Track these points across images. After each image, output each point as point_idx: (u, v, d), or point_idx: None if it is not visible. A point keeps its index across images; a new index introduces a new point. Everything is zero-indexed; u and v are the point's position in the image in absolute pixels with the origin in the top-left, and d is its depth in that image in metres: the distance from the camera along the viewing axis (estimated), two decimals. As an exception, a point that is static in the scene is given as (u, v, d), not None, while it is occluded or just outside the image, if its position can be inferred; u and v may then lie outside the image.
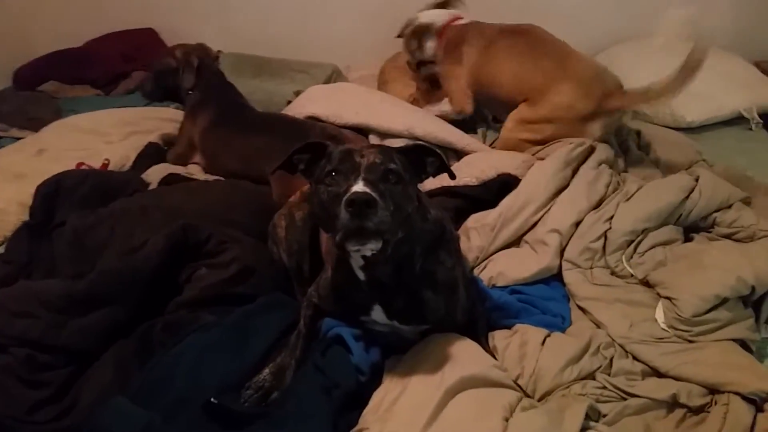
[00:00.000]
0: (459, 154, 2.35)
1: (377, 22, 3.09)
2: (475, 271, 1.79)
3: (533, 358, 1.39)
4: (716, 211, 1.76)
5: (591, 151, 2.03)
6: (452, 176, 1.32)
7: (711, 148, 2.48)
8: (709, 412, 1.28)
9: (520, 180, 1.98)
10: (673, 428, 1.26)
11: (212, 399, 1.28)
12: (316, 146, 1.30)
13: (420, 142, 1.30)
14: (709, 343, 1.44)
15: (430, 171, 1.33)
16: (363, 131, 2.41)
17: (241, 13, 3.51)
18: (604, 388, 1.36)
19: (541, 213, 1.85)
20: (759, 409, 1.27)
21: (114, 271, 1.55)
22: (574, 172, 1.96)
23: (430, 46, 2.62)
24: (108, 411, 1.24)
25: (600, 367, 1.41)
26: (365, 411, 1.28)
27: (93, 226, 1.86)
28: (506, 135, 2.32)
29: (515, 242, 1.86)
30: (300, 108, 2.56)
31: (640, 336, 1.48)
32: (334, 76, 3.38)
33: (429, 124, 2.39)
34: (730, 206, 1.76)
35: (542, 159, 2.10)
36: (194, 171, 2.50)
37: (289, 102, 2.97)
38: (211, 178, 2.41)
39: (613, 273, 1.70)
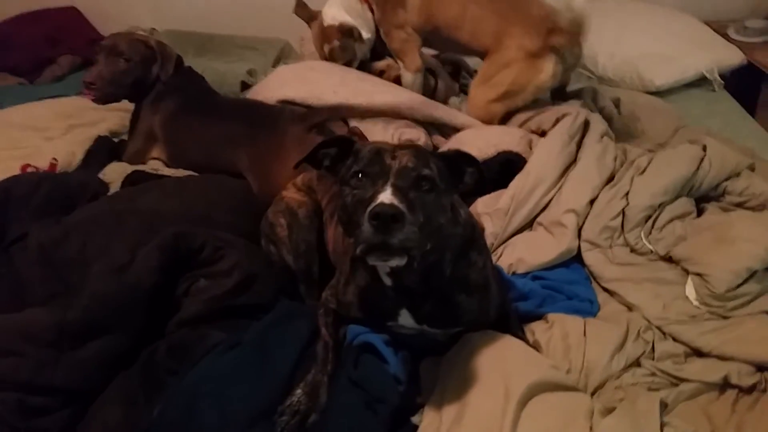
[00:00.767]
0: (442, 130, 2.22)
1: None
2: (493, 259, 1.70)
3: (579, 351, 1.33)
4: (726, 179, 1.74)
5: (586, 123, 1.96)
6: (487, 191, 1.21)
7: (682, 112, 2.46)
8: (763, 391, 1.25)
9: (521, 157, 1.89)
10: (730, 412, 1.23)
11: None
12: (344, 141, 1.17)
13: (461, 150, 1.18)
14: (744, 318, 1.42)
15: (468, 182, 1.19)
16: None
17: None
18: (653, 374, 1.31)
19: (553, 192, 1.78)
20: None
21: (108, 295, 1.35)
22: (578, 146, 1.89)
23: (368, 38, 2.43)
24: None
25: (644, 352, 1.37)
26: (421, 430, 1.17)
27: (60, 240, 1.65)
28: (471, 95, 2.21)
29: (527, 225, 1.78)
30: (271, 92, 2.35)
31: (675, 316, 1.44)
32: (286, 50, 3.16)
33: (414, 99, 2.23)
34: (738, 174, 1.75)
35: (535, 131, 2.03)
36: (158, 167, 2.28)
37: (244, 83, 2.77)
38: (177, 173, 2.20)
39: (632, 250, 1.66)
